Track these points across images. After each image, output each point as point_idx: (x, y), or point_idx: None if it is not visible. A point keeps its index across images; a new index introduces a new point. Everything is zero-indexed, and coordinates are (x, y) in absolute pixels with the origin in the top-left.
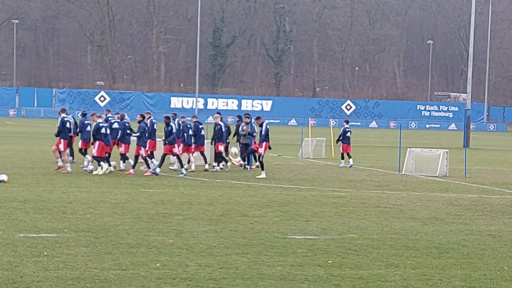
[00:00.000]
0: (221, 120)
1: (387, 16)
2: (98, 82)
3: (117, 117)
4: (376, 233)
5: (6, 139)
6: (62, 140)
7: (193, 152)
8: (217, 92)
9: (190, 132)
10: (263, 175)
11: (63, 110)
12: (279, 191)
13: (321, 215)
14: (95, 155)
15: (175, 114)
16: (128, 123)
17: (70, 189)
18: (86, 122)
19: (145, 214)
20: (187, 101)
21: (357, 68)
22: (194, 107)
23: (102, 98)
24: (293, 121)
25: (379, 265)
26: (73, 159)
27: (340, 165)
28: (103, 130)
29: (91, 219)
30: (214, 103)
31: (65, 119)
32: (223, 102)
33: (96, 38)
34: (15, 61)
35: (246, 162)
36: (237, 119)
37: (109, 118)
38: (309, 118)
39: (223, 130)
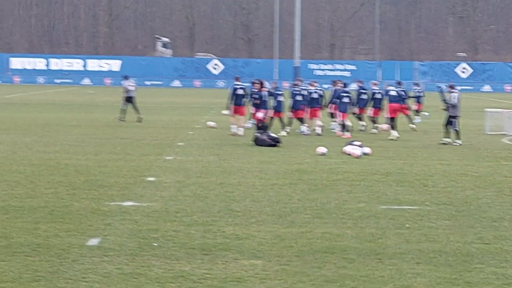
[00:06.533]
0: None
1: None
2: (459, 53)
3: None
4: None
5: None
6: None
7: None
8: None
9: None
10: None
11: (237, 79)
12: None
13: None
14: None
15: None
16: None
17: (431, 162)
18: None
19: (508, 187)
20: None
21: None
22: None
23: (463, 70)
24: None
25: None
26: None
27: None
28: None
29: (452, 192)
30: None
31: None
32: None
33: (458, 9)
34: (377, 35)
35: None
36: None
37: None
38: None
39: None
